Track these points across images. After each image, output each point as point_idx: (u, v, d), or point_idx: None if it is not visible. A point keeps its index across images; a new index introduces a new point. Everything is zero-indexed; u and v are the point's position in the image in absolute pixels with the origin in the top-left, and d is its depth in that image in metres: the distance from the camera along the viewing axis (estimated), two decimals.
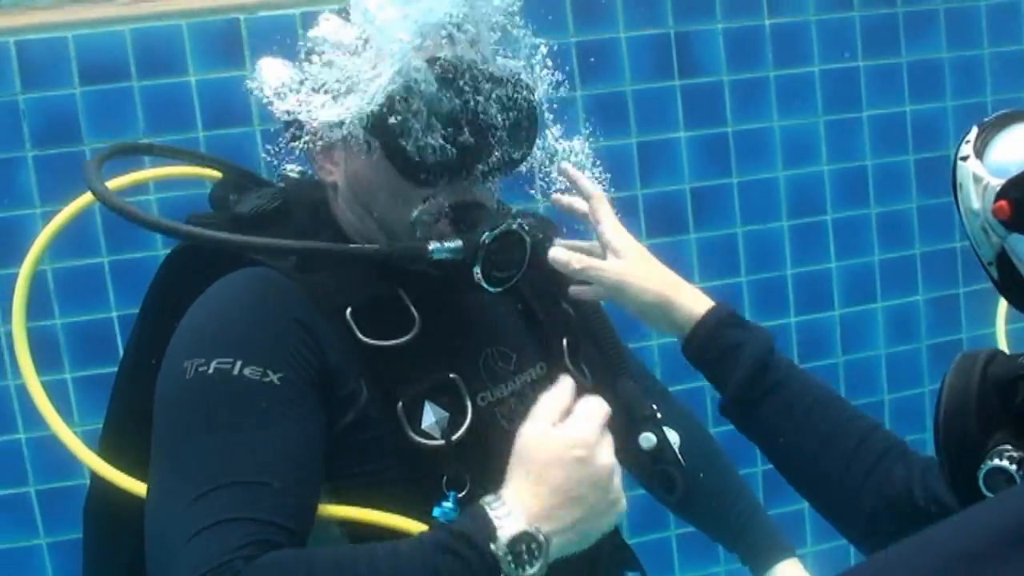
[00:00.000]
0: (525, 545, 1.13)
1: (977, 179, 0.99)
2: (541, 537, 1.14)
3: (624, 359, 1.59)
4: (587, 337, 1.57)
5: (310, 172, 1.49)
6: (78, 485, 2.75)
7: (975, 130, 1.05)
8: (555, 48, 2.82)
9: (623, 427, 1.52)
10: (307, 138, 1.36)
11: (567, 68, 2.83)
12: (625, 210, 2.91)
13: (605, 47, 2.94)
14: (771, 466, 3.11)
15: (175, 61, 2.70)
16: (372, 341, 1.29)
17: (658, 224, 3.01)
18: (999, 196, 0.97)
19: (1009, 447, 0.85)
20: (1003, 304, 2.17)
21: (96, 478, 1.47)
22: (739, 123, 3.05)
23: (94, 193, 1.34)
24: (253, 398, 1.20)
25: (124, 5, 2.68)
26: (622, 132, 2.97)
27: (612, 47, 2.94)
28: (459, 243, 1.31)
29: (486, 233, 1.30)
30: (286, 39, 2.72)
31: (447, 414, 1.32)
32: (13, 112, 2.65)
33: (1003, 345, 2.17)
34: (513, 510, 1.15)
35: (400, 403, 1.28)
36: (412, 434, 1.28)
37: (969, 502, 0.85)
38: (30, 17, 2.63)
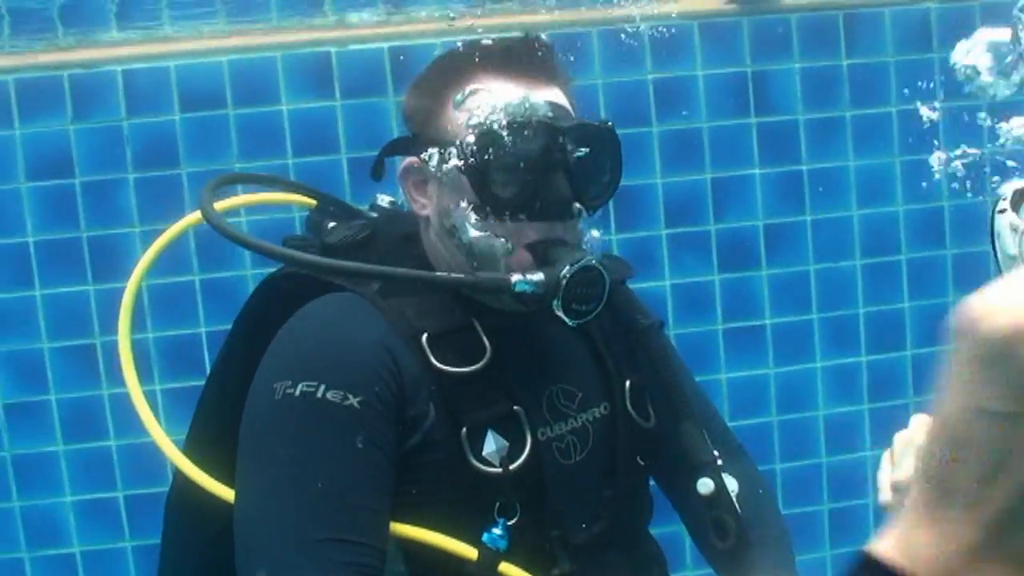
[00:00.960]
0: None
1: (1014, 228, 1.04)
2: None
3: (688, 403, 1.59)
4: (654, 379, 1.60)
5: (400, 200, 1.57)
6: (163, 491, 2.89)
7: (1013, 187, 1.11)
8: (633, 84, 2.93)
9: (679, 470, 1.57)
10: (401, 173, 1.47)
11: (644, 104, 2.94)
12: (698, 245, 3.00)
13: (682, 84, 3.00)
14: (840, 505, 3.12)
15: (269, 91, 2.84)
16: (444, 367, 1.35)
17: (730, 259, 3.06)
18: None
19: None
20: None
21: (177, 480, 1.58)
22: (814, 161, 3.07)
23: (207, 218, 1.43)
24: (334, 420, 1.28)
25: (222, 37, 2.84)
26: (697, 168, 3.02)
27: (689, 84, 3.00)
28: (541, 276, 1.35)
29: (567, 267, 1.34)
30: (375, 71, 2.89)
31: (507, 444, 1.36)
32: (117, 136, 2.81)
33: None
34: None
35: (464, 429, 1.34)
36: (472, 460, 1.34)
37: None
38: (136, 48, 2.79)
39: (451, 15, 2.85)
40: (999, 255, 1.09)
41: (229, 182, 1.63)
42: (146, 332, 2.87)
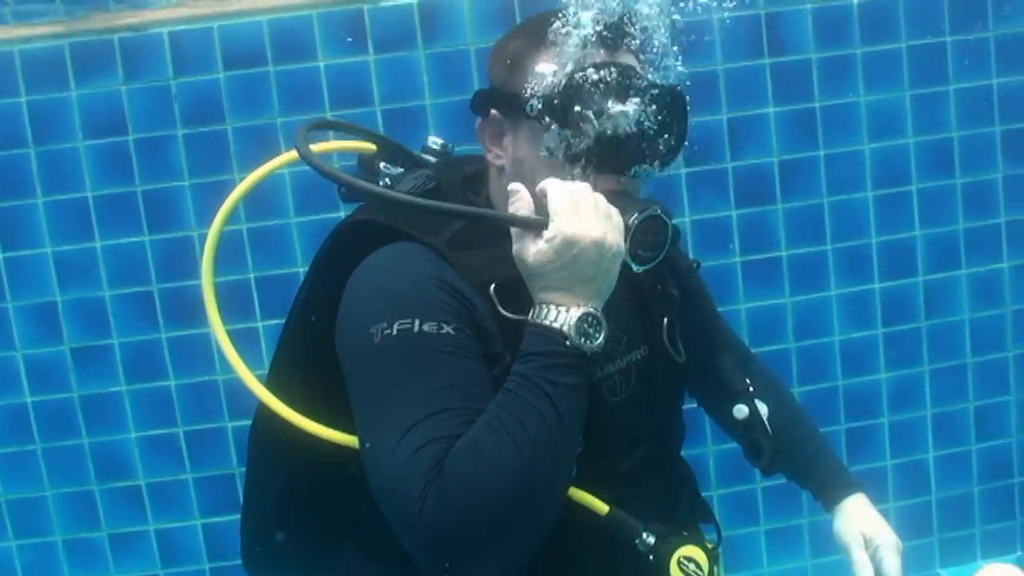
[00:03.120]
0: (585, 323, 1.36)
1: None
2: (591, 309, 1.37)
3: (724, 336, 1.79)
4: (690, 316, 1.74)
5: (451, 144, 1.70)
6: (220, 427, 3.10)
7: None
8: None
9: (720, 398, 1.77)
10: (480, 125, 1.59)
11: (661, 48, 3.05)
12: (716, 182, 3.15)
13: (697, 28, 3.11)
14: (856, 425, 3.28)
15: (306, 48, 2.99)
16: (511, 315, 1.44)
17: (747, 195, 3.20)
18: None
19: None
20: None
21: (260, 411, 1.69)
22: (826, 98, 3.19)
23: (304, 158, 1.49)
24: (437, 347, 1.39)
25: None
26: (714, 109, 3.15)
27: (704, 28, 3.11)
28: None
29: (635, 215, 1.46)
30: (405, 27, 3.02)
31: None
32: (166, 95, 2.98)
33: None
34: (557, 309, 1.36)
35: None
36: None
37: None
38: (181, 11, 2.94)
39: None
40: None
41: (318, 127, 1.69)
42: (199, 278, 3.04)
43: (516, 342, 1.41)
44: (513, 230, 1.41)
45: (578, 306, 1.37)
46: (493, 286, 1.46)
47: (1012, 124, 3.26)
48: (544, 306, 1.38)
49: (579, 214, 1.37)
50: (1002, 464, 3.40)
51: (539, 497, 1.32)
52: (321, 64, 3.00)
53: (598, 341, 1.37)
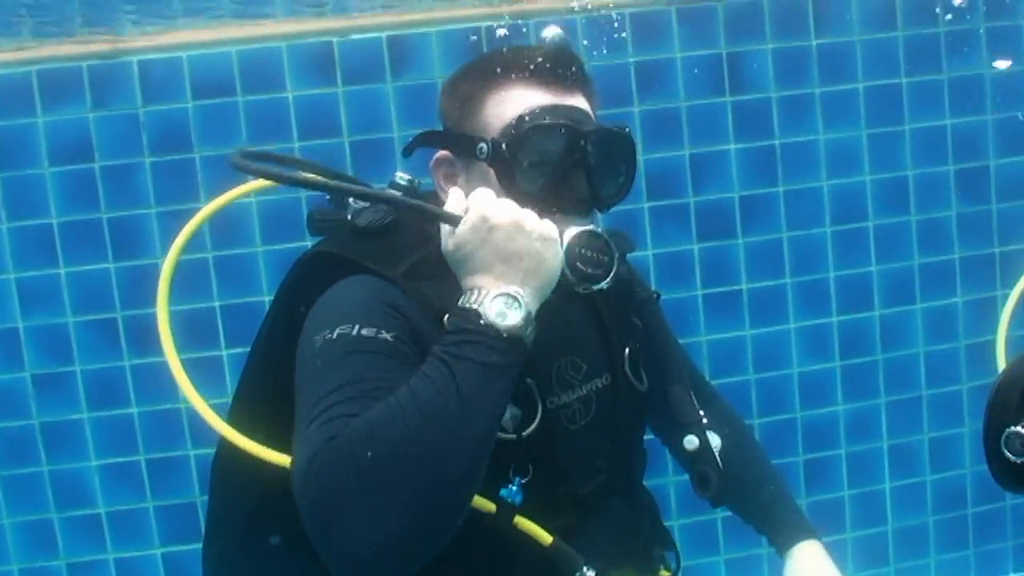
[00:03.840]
0: (503, 302, 1.34)
1: None
2: (511, 291, 1.36)
3: (679, 367, 1.77)
4: (648, 346, 1.76)
5: (418, 180, 1.72)
6: (182, 455, 3.09)
7: None
8: (616, 67, 3.11)
9: (673, 428, 1.77)
10: (433, 165, 1.61)
11: (626, 86, 3.13)
12: (678, 216, 3.20)
13: (662, 66, 3.19)
14: (813, 456, 3.32)
15: (275, 79, 3.02)
16: None
17: (709, 229, 3.26)
18: None
19: None
20: (1007, 310, 2.38)
21: (222, 441, 1.66)
22: (786, 136, 3.27)
23: (235, 166, 1.53)
24: (372, 348, 1.40)
25: (231, 28, 3.00)
26: (676, 145, 3.21)
27: (668, 66, 3.19)
28: None
29: (572, 230, 1.48)
30: (374, 60, 3.06)
31: (520, 412, 1.49)
32: (134, 123, 2.99)
33: (1001, 349, 2.38)
34: (478, 292, 1.36)
35: None
36: None
37: (993, 456, 1.06)
38: (152, 40, 2.96)
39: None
40: None
41: (260, 157, 1.68)
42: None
43: None
44: (444, 228, 1.44)
45: (498, 287, 1.37)
46: (447, 316, 1.46)
47: (965, 163, 3.35)
48: (467, 291, 1.39)
49: (497, 201, 1.41)
50: (956, 495, 3.46)
51: (421, 472, 1.25)
52: (290, 95, 3.03)
53: (517, 321, 1.34)
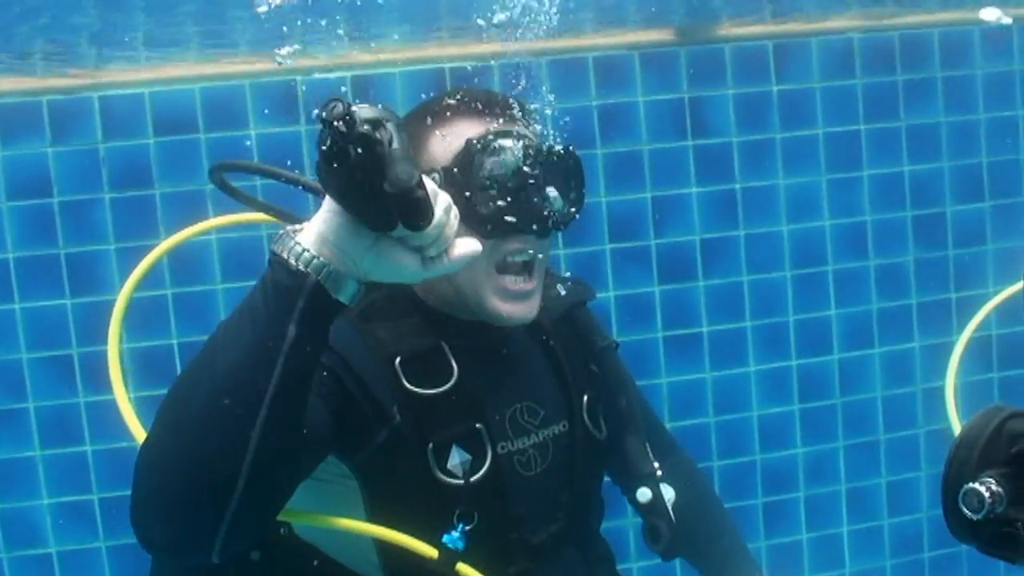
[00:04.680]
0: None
1: None
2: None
3: (636, 418, 1.77)
4: (606, 395, 1.77)
5: None
6: None
7: None
8: (579, 110, 3.13)
9: (628, 479, 1.78)
10: None
11: (590, 128, 3.15)
12: (639, 258, 3.22)
13: (624, 110, 3.22)
14: (772, 499, 3.33)
15: (238, 117, 3.02)
16: (415, 389, 1.48)
17: (669, 271, 3.28)
18: None
19: (992, 481, 1.05)
20: (955, 356, 2.42)
21: None
22: (747, 180, 3.30)
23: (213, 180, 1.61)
24: None
25: (194, 65, 3.00)
26: (638, 187, 3.24)
27: (631, 110, 3.22)
28: None
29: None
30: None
31: (470, 457, 1.50)
32: (94, 159, 2.97)
33: (951, 394, 2.41)
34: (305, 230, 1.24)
35: (430, 445, 1.48)
36: (437, 472, 1.48)
37: (950, 511, 1.07)
38: (112, 75, 2.95)
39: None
40: None
41: (230, 168, 1.73)
42: (120, 343, 3.01)
43: (415, 413, 1.46)
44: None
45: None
46: (399, 359, 1.48)
47: (922, 210, 3.40)
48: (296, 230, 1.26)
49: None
50: (913, 539, 3.48)
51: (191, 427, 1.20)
52: (252, 132, 3.02)
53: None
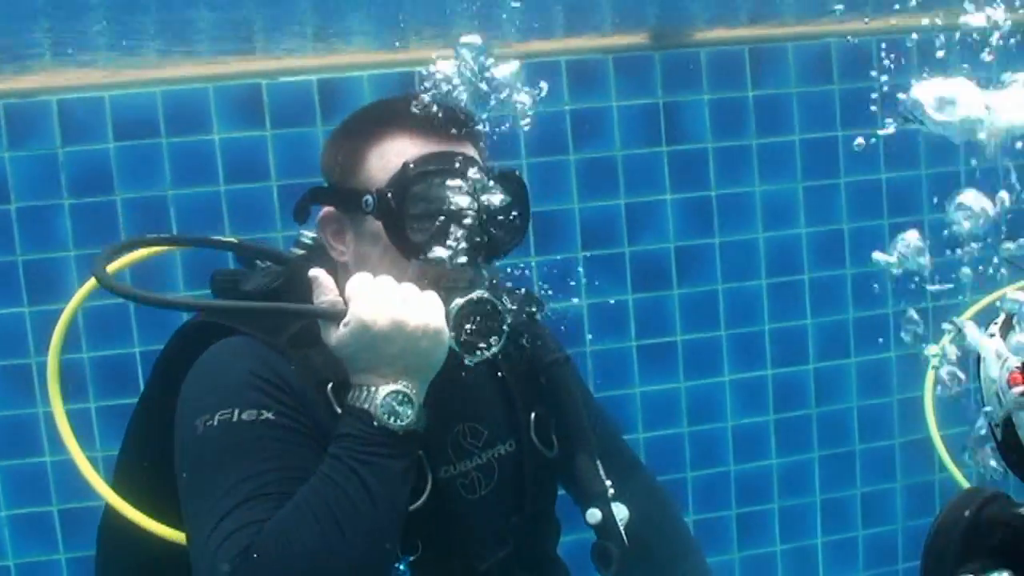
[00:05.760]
0: (394, 399, 1.36)
1: (999, 355, 1.20)
2: (400, 387, 1.37)
3: (586, 435, 1.69)
4: (555, 411, 1.69)
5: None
6: (97, 506, 2.97)
7: (1003, 317, 1.27)
8: (551, 115, 3.08)
9: (580, 499, 1.70)
10: (319, 223, 1.56)
11: (562, 133, 3.09)
12: (613, 266, 3.17)
13: (598, 115, 3.16)
14: (746, 510, 3.29)
15: (201, 121, 2.94)
16: None
17: (643, 280, 3.23)
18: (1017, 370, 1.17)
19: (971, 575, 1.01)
20: (931, 374, 2.39)
21: (107, 509, 1.66)
22: (722, 187, 3.26)
23: (99, 281, 1.52)
24: (255, 433, 1.38)
25: (156, 68, 2.92)
26: (611, 194, 3.18)
27: (604, 115, 3.16)
28: None
29: (455, 302, 1.43)
30: (304, 103, 2.99)
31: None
32: (52, 164, 2.89)
33: (930, 409, 2.39)
34: (365, 390, 1.37)
35: None
36: None
37: None
38: (70, 77, 2.87)
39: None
40: (981, 376, 1.25)
41: (130, 247, 1.75)
42: (81, 352, 2.95)
43: None
44: (322, 324, 1.41)
45: (386, 384, 1.37)
46: (330, 385, 1.44)
47: (900, 217, 3.35)
48: (356, 388, 1.39)
49: (376, 299, 1.37)
50: (888, 550, 3.45)
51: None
52: (216, 137, 2.95)
53: (408, 419, 1.36)
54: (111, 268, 1.63)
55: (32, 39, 2.68)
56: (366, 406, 1.36)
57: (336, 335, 1.38)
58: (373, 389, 1.37)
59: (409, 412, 1.37)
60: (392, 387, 1.37)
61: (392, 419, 1.35)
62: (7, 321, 2.92)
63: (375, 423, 1.34)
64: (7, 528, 2.98)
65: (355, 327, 1.35)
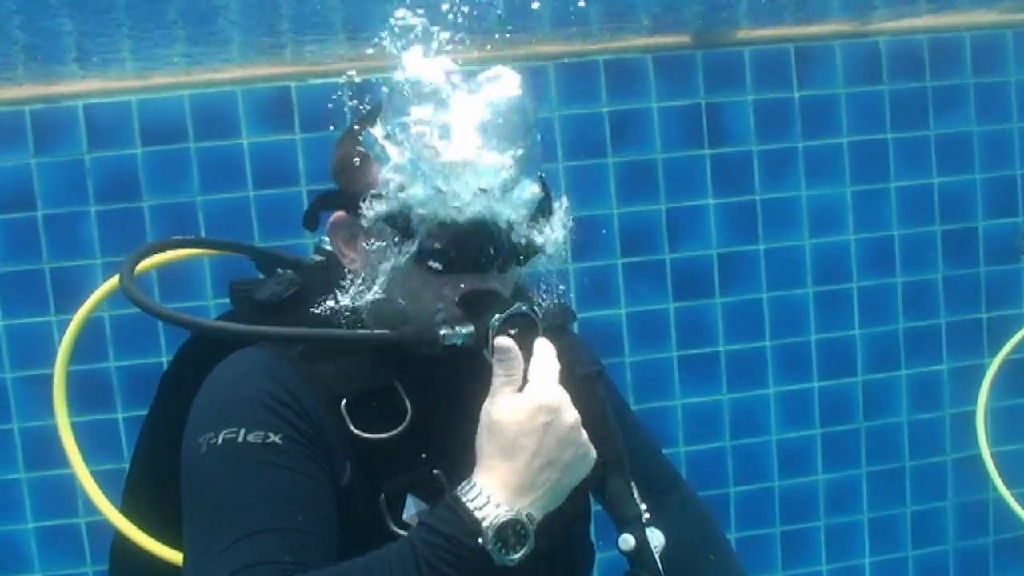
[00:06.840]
0: (511, 531, 1.19)
1: None
2: (524, 519, 1.21)
3: (618, 454, 1.59)
4: (586, 428, 1.62)
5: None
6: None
7: None
8: (589, 116, 2.99)
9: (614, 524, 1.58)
10: (329, 228, 1.46)
11: (600, 136, 3.00)
12: (653, 274, 3.07)
13: (637, 116, 3.07)
14: (791, 528, 3.18)
15: (229, 125, 2.89)
16: (362, 434, 1.35)
17: (685, 288, 3.13)
18: None
19: None
20: (987, 380, 2.29)
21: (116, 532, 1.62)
22: (767, 192, 3.14)
23: (124, 292, 1.48)
24: (262, 458, 1.28)
25: (184, 73, 2.87)
26: (651, 198, 3.08)
27: (644, 116, 3.07)
28: (471, 328, 1.33)
29: (496, 316, 1.32)
30: (333, 106, 2.90)
31: (428, 507, 1.37)
32: (79, 170, 2.85)
33: (981, 420, 2.31)
34: (492, 495, 1.21)
35: (383, 495, 1.36)
36: (391, 525, 1.35)
37: None
38: (97, 83, 2.82)
39: None
40: None
41: (151, 251, 1.67)
42: (107, 361, 2.91)
43: (364, 460, 1.34)
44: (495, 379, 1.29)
45: (511, 506, 1.22)
46: (344, 402, 1.35)
47: (952, 224, 3.24)
48: (478, 484, 1.23)
49: (561, 391, 1.27)
50: (938, 571, 3.32)
51: None
52: (245, 142, 2.89)
53: (516, 556, 1.21)
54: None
55: (60, 44, 2.64)
56: (481, 517, 1.21)
57: (510, 403, 1.25)
58: (496, 504, 1.22)
59: (516, 554, 1.21)
60: (516, 515, 1.21)
61: (499, 550, 1.20)
62: (34, 330, 2.88)
63: (479, 540, 1.19)
64: (34, 540, 2.94)
65: (536, 406, 1.25)
